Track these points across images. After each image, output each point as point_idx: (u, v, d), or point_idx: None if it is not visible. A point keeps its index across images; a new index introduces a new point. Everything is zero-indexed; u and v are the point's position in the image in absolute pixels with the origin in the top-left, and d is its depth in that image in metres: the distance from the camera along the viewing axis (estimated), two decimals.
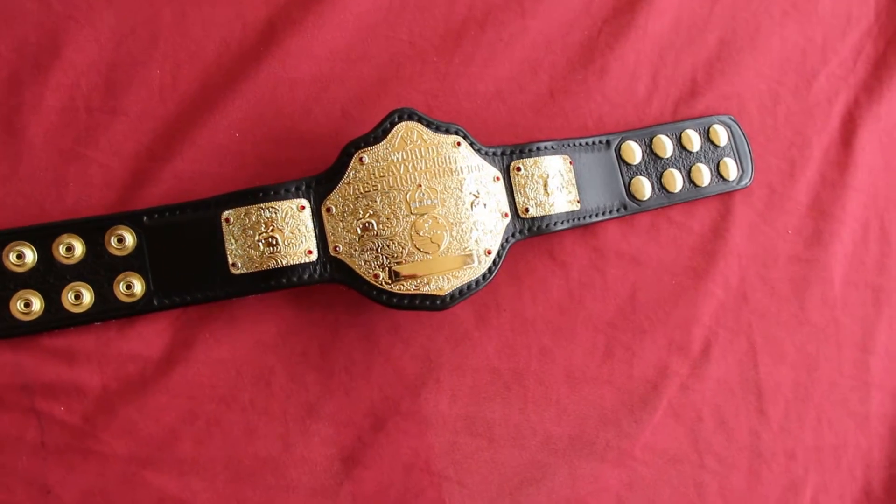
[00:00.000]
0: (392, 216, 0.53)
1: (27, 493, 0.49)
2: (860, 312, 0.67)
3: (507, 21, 0.63)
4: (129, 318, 0.52)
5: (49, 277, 0.50)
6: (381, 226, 0.53)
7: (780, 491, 0.63)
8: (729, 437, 0.62)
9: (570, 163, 0.59)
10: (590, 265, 0.61)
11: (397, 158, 0.53)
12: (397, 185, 0.53)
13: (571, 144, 0.60)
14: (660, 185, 0.63)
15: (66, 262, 0.51)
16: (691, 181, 0.64)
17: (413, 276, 0.53)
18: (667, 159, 0.63)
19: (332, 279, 0.53)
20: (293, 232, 0.52)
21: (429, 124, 0.54)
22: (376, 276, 0.52)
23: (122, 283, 0.51)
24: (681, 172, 0.63)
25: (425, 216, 0.53)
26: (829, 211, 0.67)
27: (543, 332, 0.60)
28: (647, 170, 0.62)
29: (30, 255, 0.50)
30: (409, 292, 0.53)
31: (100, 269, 0.51)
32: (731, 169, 0.65)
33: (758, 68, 0.68)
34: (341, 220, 0.53)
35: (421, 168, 0.54)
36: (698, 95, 0.66)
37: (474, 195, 0.55)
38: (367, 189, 0.53)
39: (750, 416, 0.63)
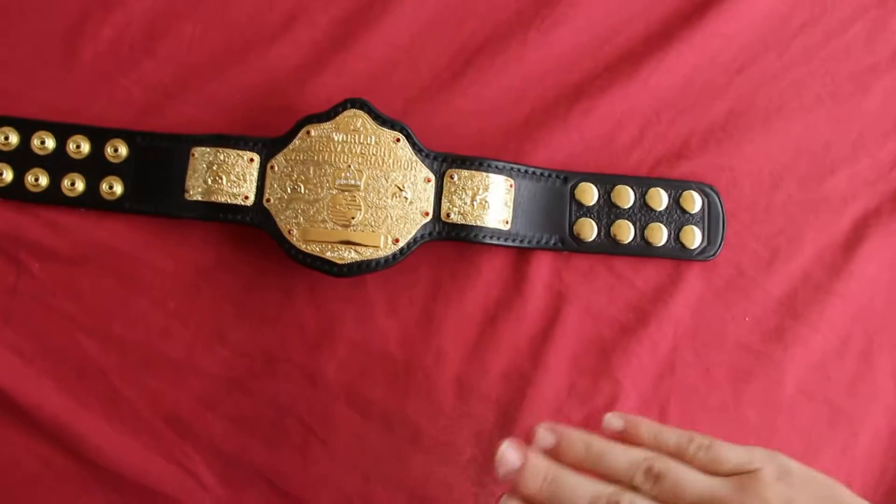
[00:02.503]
0: (318, 185, 0.60)
1: None
2: (807, 425, 0.61)
3: (505, 49, 0.66)
4: (106, 213, 0.64)
5: (58, 164, 0.64)
6: (307, 191, 0.60)
7: None
8: None
9: (511, 186, 0.61)
10: (513, 288, 0.63)
11: (338, 139, 0.60)
12: (330, 161, 0.60)
13: (523, 171, 0.62)
14: (608, 232, 0.62)
15: (73, 156, 0.64)
16: (644, 238, 0.62)
17: (319, 241, 0.59)
18: (624, 210, 0.63)
19: (259, 225, 0.61)
20: (238, 177, 0.61)
21: (375, 117, 0.60)
22: (290, 231, 0.60)
23: (106, 183, 0.64)
24: (635, 226, 0.62)
25: (346, 193, 0.59)
26: (803, 313, 0.62)
27: (446, 338, 0.62)
28: (598, 214, 0.63)
29: (50, 143, 0.64)
30: (313, 253, 0.59)
31: (95, 167, 0.64)
32: (694, 237, 0.62)
33: (766, 148, 0.64)
34: (278, 179, 0.61)
35: (356, 152, 0.60)
36: (684, 159, 0.64)
37: (398, 188, 0.60)
38: (305, 158, 0.60)
39: None
